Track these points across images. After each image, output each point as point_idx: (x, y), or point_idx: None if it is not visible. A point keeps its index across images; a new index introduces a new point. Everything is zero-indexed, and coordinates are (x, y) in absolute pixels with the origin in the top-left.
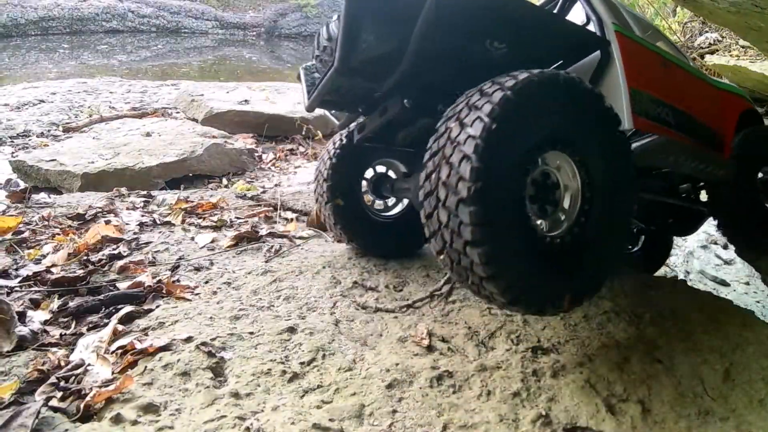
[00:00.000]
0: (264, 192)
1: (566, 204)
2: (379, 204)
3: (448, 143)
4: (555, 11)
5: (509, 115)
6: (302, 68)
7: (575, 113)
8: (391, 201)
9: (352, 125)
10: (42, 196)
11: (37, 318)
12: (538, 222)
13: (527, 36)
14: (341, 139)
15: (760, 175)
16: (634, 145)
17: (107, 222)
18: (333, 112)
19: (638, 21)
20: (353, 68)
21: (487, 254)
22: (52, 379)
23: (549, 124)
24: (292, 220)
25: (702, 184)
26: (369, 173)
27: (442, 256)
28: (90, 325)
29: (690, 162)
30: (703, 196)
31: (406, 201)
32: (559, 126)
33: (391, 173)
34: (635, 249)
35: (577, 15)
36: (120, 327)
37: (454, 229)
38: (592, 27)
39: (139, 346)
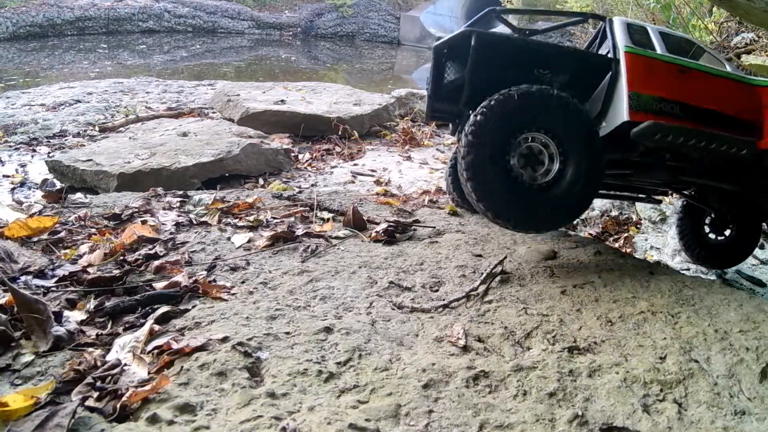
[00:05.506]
0: (300, 192)
1: (545, 162)
2: None
3: (466, 126)
4: (596, 41)
5: (494, 113)
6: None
7: (547, 109)
8: None
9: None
10: (78, 196)
11: (73, 318)
12: (522, 172)
13: (559, 65)
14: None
15: None
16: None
17: (143, 222)
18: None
19: (670, 40)
20: (441, 96)
21: (474, 186)
22: (89, 379)
23: (526, 116)
24: (328, 220)
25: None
26: None
27: (464, 189)
28: (126, 325)
29: (695, 141)
30: None
31: None
32: (535, 117)
33: None
34: (725, 237)
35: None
36: (156, 327)
37: (462, 173)
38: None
39: (175, 346)
